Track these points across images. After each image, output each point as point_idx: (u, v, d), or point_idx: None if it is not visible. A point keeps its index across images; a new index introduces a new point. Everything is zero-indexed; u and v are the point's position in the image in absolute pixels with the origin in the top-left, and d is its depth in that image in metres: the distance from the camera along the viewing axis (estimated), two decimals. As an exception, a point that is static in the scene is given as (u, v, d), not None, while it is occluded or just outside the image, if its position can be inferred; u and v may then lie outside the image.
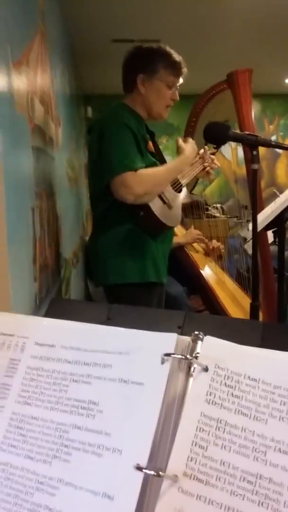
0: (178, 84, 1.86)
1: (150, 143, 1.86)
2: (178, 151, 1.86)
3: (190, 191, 3.28)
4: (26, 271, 1.37)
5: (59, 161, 2.43)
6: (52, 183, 2.06)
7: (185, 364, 0.57)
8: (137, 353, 0.60)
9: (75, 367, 0.62)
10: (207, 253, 3.86)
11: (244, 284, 3.72)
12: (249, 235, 1.74)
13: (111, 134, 1.69)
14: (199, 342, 0.58)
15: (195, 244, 3.66)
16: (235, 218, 4.94)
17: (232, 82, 3.16)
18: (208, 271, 3.58)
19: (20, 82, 1.33)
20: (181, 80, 1.86)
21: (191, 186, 3.22)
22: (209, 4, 3.08)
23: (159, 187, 1.75)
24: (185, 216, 4.12)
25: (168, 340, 0.58)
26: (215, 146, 1.76)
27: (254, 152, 1.47)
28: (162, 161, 1.91)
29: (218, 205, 5.07)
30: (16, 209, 1.24)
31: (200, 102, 3.34)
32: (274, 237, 1.88)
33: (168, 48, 1.83)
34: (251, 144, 1.47)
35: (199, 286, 3.47)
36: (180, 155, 1.85)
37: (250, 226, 1.83)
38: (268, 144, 1.49)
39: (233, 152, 6.38)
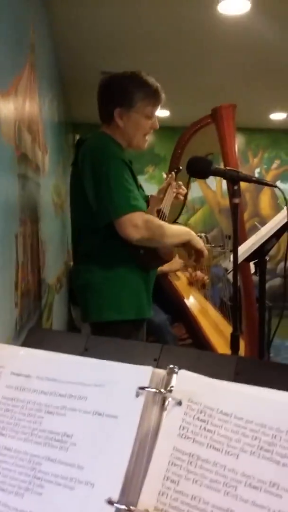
0: (156, 112, 1.81)
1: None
2: None
3: (174, 221, 3.33)
4: (7, 297, 1.37)
5: (45, 188, 2.45)
6: (36, 209, 2.08)
7: (160, 397, 0.58)
8: (112, 385, 0.60)
9: (50, 398, 0.63)
10: (191, 282, 3.89)
11: (227, 313, 3.74)
12: (230, 266, 1.76)
13: (109, 170, 1.64)
14: (174, 376, 0.59)
15: (178, 273, 3.69)
16: (219, 248, 5.00)
17: (217, 117, 3.26)
18: (191, 300, 3.60)
19: (8, 111, 1.36)
20: (159, 107, 1.82)
21: (175, 216, 3.28)
22: (197, 40, 3.19)
23: (163, 239, 1.70)
24: (169, 245, 4.17)
25: (143, 373, 0.59)
26: (175, 170, 1.77)
27: (235, 187, 1.51)
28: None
29: (203, 234, 5.11)
30: (0, 236, 1.25)
31: (185, 134, 3.43)
32: (255, 268, 1.91)
33: (143, 75, 1.75)
34: (232, 179, 1.51)
35: (182, 315, 3.48)
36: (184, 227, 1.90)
37: (232, 257, 1.86)
38: (248, 179, 1.53)
39: (217, 183, 6.52)
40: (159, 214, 1.90)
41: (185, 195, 2.15)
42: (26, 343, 0.72)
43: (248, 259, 1.95)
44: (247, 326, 3.34)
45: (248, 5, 2.63)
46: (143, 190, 1.90)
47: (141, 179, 2.04)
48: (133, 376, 0.59)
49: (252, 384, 0.59)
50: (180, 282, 3.69)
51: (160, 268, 3.61)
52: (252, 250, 1.75)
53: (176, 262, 3.59)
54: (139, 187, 1.88)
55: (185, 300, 3.47)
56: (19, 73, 1.60)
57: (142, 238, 1.64)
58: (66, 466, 0.57)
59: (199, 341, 3.41)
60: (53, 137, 3.08)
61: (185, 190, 2.05)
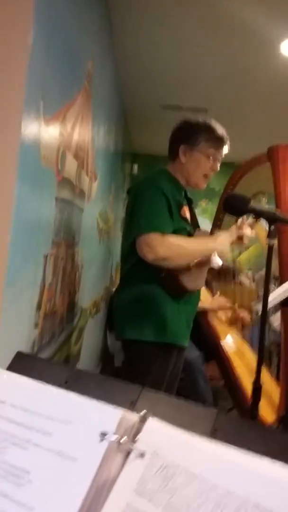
0: (219, 157, 1.92)
1: (185, 209, 1.90)
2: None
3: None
4: (27, 316, 1.38)
5: (89, 213, 2.49)
6: (76, 233, 2.11)
7: (124, 445, 0.54)
8: (79, 425, 0.57)
9: (19, 429, 0.60)
10: (231, 321, 3.77)
11: (267, 358, 3.58)
12: (259, 308, 1.69)
13: (144, 195, 1.77)
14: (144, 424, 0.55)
15: (220, 312, 3.60)
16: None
17: (273, 156, 3.21)
18: (228, 340, 3.48)
19: (50, 137, 1.40)
20: (223, 154, 1.93)
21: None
22: (257, 79, 3.19)
23: (182, 257, 1.76)
24: (213, 280, 4.09)
25: (111, 417, 0.56)
26: (254, 216, 1.75)
27: (272, 227, 1.45)
28: (195, 227, 1.96)
29: (250, 273, 4.99)
30: (24, 254, 1.27)
31: (239, 171, 3.39)
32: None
33: (213, 123, 1.90)
34: (268, 219, 1.46)
35: (216, 354, 3.37)
36: (217, 237, 1.89)
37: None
38: (286, 221, 1.48)
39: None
40: None
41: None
42: (11, 367, 0.71)
43: (284, 304, 1.87)
44: (284, 375, 3.18)
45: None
46: (188, 225, 1.89)
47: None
48: (101, 418, 0.56)
49: (230, 443, 0.54)
50: (219, 321, 3.59)
51: (201, 305, 3.55)
52: (284, 297, 1.67)
53: (218, 300, 3.51)
54: (184, 221, 1.87)
55: (221, 340, 3.36)
56: (70, 101, 1.66)
57: (157, 258, 1.70)
58: (17, 505, 0.54)
59: (230, 383, 3.27)
60: (106, 165, 3.15)
61: (253, 235, 2.02)
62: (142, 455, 0.52)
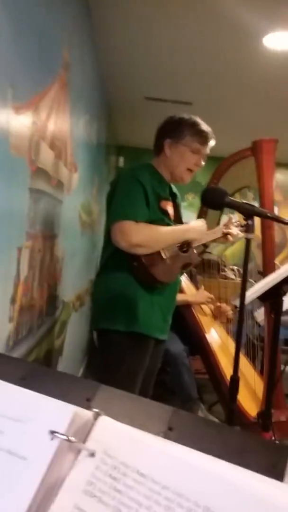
0: (204, 153, 1.93)
1: (166, 203, 1.88)
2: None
3: (204, 250, 3.26)
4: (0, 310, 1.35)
5: (70, 205, 2.46)
6: (54, 225, 2.07)
7: (75, 444, 0.52)
8: (30, 423, 0.55)
9: None
10: (215, 315, 3.77)
11: (252, 352, 3.59)
12: (238, 303, 1.67)
13: (122, 185, 1.80)
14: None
15: (203, 306, 3.59)
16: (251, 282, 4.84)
17: (257, 150, 3.20)
18: (212, 334, 3.48)
19: (21, 125, 1.36)
20: (207, 150, 1.93)
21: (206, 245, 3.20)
22: (241, 72, 3.16)
23: (156, 243, 1.78)
24: (198, 274, 4.08)
25: (63, 415, 0.53)
26: (244, 218, 1.75)
27: (249, 222, 1.44)
28: (178, 222, 1.95)
29: (235, 267, 5.00)
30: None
31: (223, 165, 3.37)
32: (270, 310, 1.81)
33: (198, 119, 1.92)
34: (245, 214, 1.44)
35: (201, 348, 3.37)
36: (191, 224, 1.91)
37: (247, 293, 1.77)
38: (263, 215, 1.46)
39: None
40: (183, 245, 1.87)
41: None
42: None
43: (263, 299, 1.85)
44: (267, 369, 3.19)
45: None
46: (167, 219, 1.88)
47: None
48: (53, 416, 0.54)
49: (184, 442, 0.52)
50: (204, 315, 3.58)
51: (184, 298, 3.55)
52: (266, 289, 1.65)
53: (201, 294, 3.50)
54: (163, 213, 1.86)
55: (205, 334, 3.36)
56: (44, 90, 1.62)
57: (131, 244, 1.72)
58: None
59: (214, 377, 3.27)
60: (88, 157, 3.11)
61: (240, 235, 2.02)
62: (92, 454, 0.50)
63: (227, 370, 3.33)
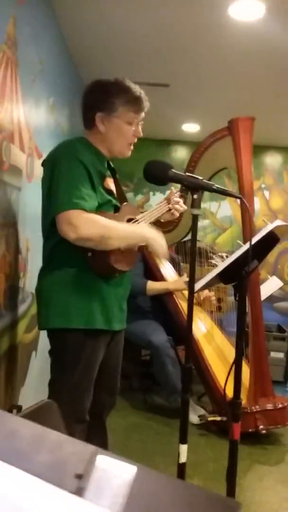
0: (140, 119, 1.78)
1: (108, 180, 1.76)
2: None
3: (181, 239, 3.13)
4: None
5: (33, 193, 2.35)
6: (11, 213, 1.97)
7: None
8: None
9: None
10: (199, 303, 3.67)
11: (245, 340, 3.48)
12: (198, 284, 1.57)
13: (61, 167, 1.62)
14: None
15: (185, 292, 3.48)
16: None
17: (233, 129, 3.08)
18: (196, 323, 3.37)
19: None
20: (142, 115, 1.77)
21: (180, 234, 3.08)
22: (207, 43, 3.03)
23: (106, 240, 1.60)
24: (183, 262, 3.97)
25: None
26: (183, 188, 1.63)
27: (195, 196, 1.33)
28: (121, 200, 1.81)
29: (224, 254, 4.88)
30: None
31: (200, 147, 3.26)
32: (235, 293, 1.70)
33: (127, 82, 1.74)
34: (191, 188, 1.33)
35: (185, 337, 3.26)
36: (142, 227, 1.74)
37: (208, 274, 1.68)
38: (209, 188, 1.35)
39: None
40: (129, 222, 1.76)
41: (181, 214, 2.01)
42: None
43: (225, 281, 1.75)
44: (253, 354, 3.09)
45: (263, 11, 2.45)
46: (114, 198, 1.76)
47: (167, 193, 1.98)
48: None
49: None
50: (186, 302, 3.47)
51: (165, 286, 3.44)
52: (219, 271, 1.54)
53: (181, 281, 3.39)
54: (109, 193, 1.75)
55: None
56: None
57: (80, 238, 1.56)
58: None
59: (199, 366, 3.18)
60: (55, 143, 3.00)
61: (184, 208, 1.91)
62: None
63: (212, 360, 3.24)
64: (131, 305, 3.55)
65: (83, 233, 1.55)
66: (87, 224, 1.55)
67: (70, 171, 1.60)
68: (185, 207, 1.89)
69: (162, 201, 1.90)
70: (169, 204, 1.86)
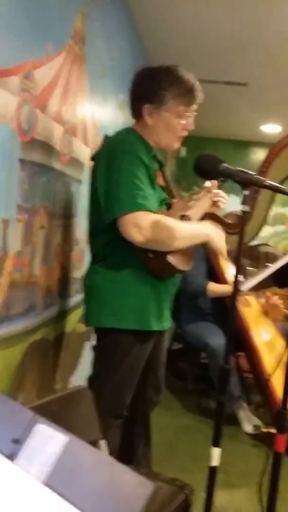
0: (192, 112, 1.70)
1: (160, 176, 1.74)
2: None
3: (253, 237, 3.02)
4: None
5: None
6: (68, 204, 2.02)
7: None
8: None
9: None
10: (266, 311, 3.52)
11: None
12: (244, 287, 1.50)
13: (122, 164, 1.55)
14: None
15: (251, 298, 3.35)
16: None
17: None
18: (259, 331, 3.24)
19: (3, 90, 1.32)
20: (194, 107, 1.69)
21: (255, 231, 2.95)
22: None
23: (172, 241, 1.55)
24: (251, 266, 3.83)
25: None
26: (222, 179, 1.56)
27: (245, 192, 1.27)
28: (170, 194, 1.77)
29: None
30: None
31: (276, 147, 3.11)
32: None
33: (180, 70, 1.64)
34: (242, 183, 1.28)
35: (244, 345, 3.15)
36: (205, 226, 1.69)
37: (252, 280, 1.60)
38: (261, 184, 1.28)
39: None
40: (183, 219, 1.72)
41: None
42: None
43: (280, 284, 1.66)
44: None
45: None
46: (164, 193, 1.74)
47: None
48: None
49: None
50: (250, 308, 3.35)
51: (226, 289, 3.34)
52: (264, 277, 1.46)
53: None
54: (162, 188, 1.73)
55: (249, 329, 3.14)
56: (40, 58, 1.56)
57: (146, 241, 1.51)
58: None
59: (257, 377, 3.05)
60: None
61: (224, 196, 1.83)
62: None
63: (272, 371, 3.09)
64: (192, 306, 3.55)
65: (152, 236, 1.50)
66: (155, 226, 1.50)
67: (130, 170, 1.54)
68: (224, 195, 1.80)
69: (202, 194, 1.81)
70: (213, 196, 1.78)
